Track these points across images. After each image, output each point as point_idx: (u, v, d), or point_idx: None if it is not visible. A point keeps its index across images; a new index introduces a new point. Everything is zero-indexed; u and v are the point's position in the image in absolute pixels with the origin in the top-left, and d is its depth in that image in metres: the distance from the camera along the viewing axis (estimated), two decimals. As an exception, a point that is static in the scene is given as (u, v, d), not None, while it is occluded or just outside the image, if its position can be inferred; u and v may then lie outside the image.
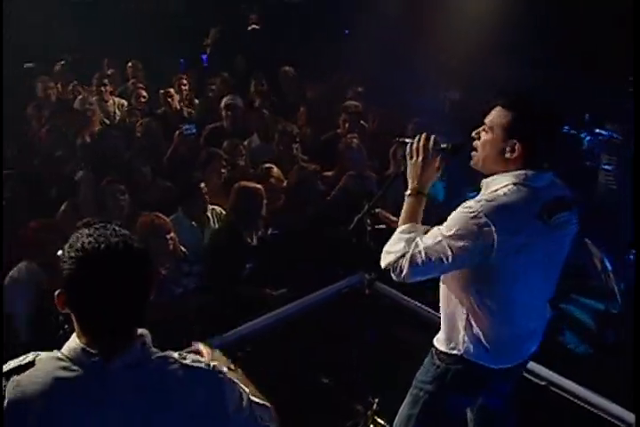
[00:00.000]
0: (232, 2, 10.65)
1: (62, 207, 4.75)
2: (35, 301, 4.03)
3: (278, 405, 1.85)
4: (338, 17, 9.49)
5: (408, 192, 2.52)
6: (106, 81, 7.59)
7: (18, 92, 7.35)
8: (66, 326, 1.83)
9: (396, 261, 2.32)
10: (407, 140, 2.61)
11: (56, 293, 1.63)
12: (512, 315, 2.45)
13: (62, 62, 8.33)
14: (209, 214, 4.88)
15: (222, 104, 6.78)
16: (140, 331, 1.64)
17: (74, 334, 1.64)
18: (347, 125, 6.29)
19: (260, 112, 6.68)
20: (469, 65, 7.79)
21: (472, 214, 2.26)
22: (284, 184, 5.22)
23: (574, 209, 2.45)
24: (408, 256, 2.30)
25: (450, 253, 2.27)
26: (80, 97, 7.25)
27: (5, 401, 1.51)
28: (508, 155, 2.36)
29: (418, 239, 2.33)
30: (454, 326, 2.52)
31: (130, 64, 8.34)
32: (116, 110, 7.47)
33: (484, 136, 2.42)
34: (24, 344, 4.03)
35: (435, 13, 7.97)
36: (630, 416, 3.29)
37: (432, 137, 2.53)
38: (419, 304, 4.32)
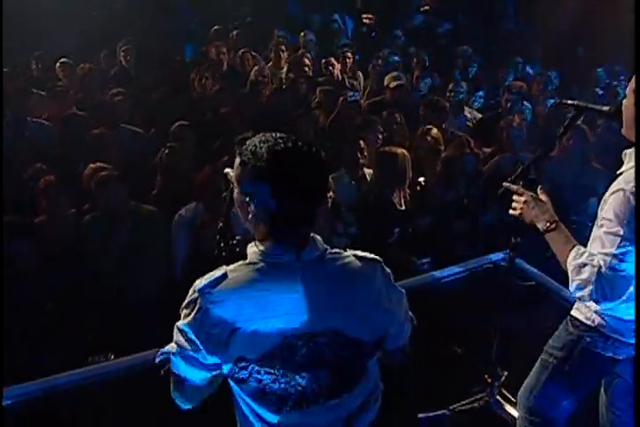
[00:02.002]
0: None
1: (226, 158, 5.06)
2: (195, 235, 4.41)
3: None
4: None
5: (543, 230, 2.47)
6: (283, 47, 7.90)
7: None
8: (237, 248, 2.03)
9: (593, 291, 2.24)
10: (569, 102, 2.59)
11: (239, 202, 1.80)
12: None
13: (236, 31, 8.71)
14: (367, 175, 5.04)
15: (386, 81, 6.88)
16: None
17: (251, 246, 1.81)
18: (509, 105, 6.20)
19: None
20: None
21: (623, 194, 2.22)
22: (443, 150, 5.27)
23: None
24: (597, 277, 2.22)
25: (624, 252, 2.21)
26: (256, 68, 7.56)
27: (208, 301, 1.72)
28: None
29: (593, 257, 2.25)
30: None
31: (302, 34, 8.58)
32: (286, 77, 7.74)
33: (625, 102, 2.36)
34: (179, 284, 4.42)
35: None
36: None
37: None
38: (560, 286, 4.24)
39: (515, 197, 2.59)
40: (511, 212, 2.59)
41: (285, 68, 7.83)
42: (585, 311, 2.54)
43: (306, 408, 1.84)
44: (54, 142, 5.85)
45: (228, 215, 2.24)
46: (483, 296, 4.32)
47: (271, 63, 7.91)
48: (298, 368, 1.78)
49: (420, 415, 3.47)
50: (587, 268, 2.27)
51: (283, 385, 1.79)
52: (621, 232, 2.22)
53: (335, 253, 1.84)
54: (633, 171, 2.26)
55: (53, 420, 3.52)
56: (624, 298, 2.28)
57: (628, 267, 2.23)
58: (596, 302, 2.29)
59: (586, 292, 2.27)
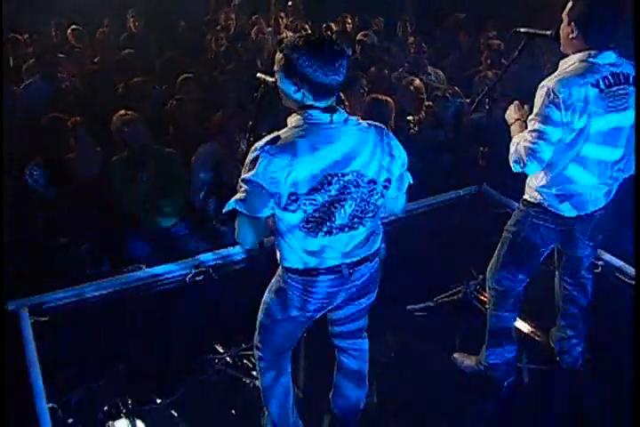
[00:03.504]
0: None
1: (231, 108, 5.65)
2: (210, 172, 5.01)
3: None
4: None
5: (510, 123, 3.14)
6: (282, 15, 8.51)
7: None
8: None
9: (516, 160, 2.88)
10: (521, 30, 3.23)
11: (280, 87, 2.45)
12: (576, 172, 2.96)
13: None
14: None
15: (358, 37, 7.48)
16: None
17: (292, 116, 2.45)
18: (488, 62, 6.79)
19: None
20: None
21: (545, 91, 2.79)
22: (426, 101, 5.85)
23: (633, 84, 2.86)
24: (518, 151, 2.87)
25: (543, 131, 2.81)
26: (256, 27, 8.17)
27: (268, 154, 2.34)
28: (570, 35, 2.85)
29: (521, 136, 2.91)
30: (531, 178, 3.11)
31: (290, 3, 9.18)
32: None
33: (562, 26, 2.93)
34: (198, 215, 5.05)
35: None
36: None
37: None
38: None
39: (510, 106, 3.23)
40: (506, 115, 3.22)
41: (285, 34, 8.42)
42: (529, 192, 3.16)
43: (335, 234, 2.52)
44: (81, 94, 6.40)
45: (257, 115, 2.89)
46: (462, 219, 5.03)
47: (271, 28, 8.49)
48: (331, 201, 2.44)
49: (409, 307, 4.11)
50: (514, 145, 2.94)
51: (321, 214, 2.45)
52: (537, 116, 2.82)
53: (355, 119, 2.50)
54: (559, 72, 2.86)
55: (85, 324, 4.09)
56: (545, 172, 2.96)
57: (544, 145, 2.81)
58: (519, 169, 2.92)
59: (511, 162, 2.93)
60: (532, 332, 3.94)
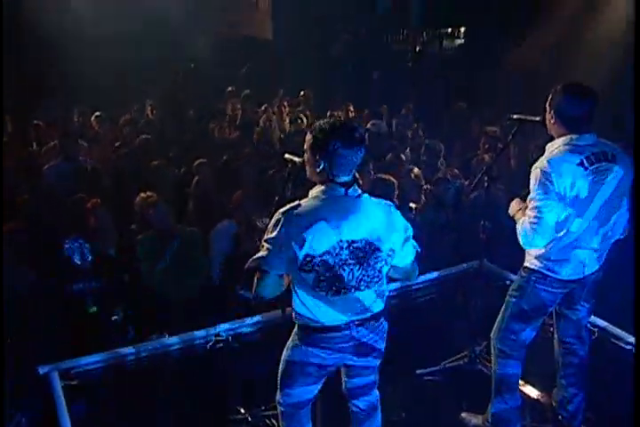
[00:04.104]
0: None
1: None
2: (228, 246, 5.37)
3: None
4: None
5: (513, 214, 3.56)
6: (285, 103, 9.15)
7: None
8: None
9: (524, 236, 3.29)
10: (514, 117, 3.69)
11: (310, 162, 2.86)
12: (570, 239, 3.33)
13: (247, 91, 9.98)
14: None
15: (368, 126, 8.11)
16: None
17: (314, 188, 2.86)
18: (486, 146, 7.31)
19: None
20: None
21: (538, 172, 3.22)
22: (426, 186, 6.29)
23: (616, 161, 3.28)
24: (524, 229, 3.29)
25: (542, 206, 3.22)
26: (264, 116, 8.77)
27: (290, 218, 2.74)
28: (552, 122, 3.32)
29: (524, 217, 3.33)
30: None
31: (302, 93, 9.82)
32: (289, 128, 8.93)
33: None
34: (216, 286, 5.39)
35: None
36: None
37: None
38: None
39: (511, 203, 3.66)
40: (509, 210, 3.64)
41: (287, 121, 9.08)
42: (529, 259, 3.52)
43: (343, 294, 2.86)
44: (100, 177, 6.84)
45: (283, 191, 3.30)
46: (467, 291, 5.36)
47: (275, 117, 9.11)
48: (341, 264, 2.80)
49: (418, 371, 4.38)
50: (520, 226, 3.34)
51: (331, 275, 2.81)
52: (534, 195, 3.24)
53: (367, 195, 2.91)
54: (547, 155, 3.28)
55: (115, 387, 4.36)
56: (547, 241, 3.30)
57: (546, 217, 3.21)
58: (528, 244, 3.32)
59: (521, 241, 3.33)
60: (535, 394, 4.20)
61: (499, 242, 4.82)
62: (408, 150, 7.55)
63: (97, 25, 10.19)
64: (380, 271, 2.92)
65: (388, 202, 2.97)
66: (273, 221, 2.81)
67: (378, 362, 3.18)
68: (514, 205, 3.62)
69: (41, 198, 6.10)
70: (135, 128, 8.34)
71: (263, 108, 9.25)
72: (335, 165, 2.79)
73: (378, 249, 2.87)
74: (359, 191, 2.87)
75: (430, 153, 7.22)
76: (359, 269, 2.85)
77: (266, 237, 2.81)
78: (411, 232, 2.99)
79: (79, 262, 4.78)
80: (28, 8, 10.20)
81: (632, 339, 4.50)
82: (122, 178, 6.64)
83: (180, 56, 10.79)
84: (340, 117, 8.64)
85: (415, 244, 3.03)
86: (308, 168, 2.93)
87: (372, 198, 2.92)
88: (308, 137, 2.86)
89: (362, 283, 2.88)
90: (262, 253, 2.81)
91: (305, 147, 2.89)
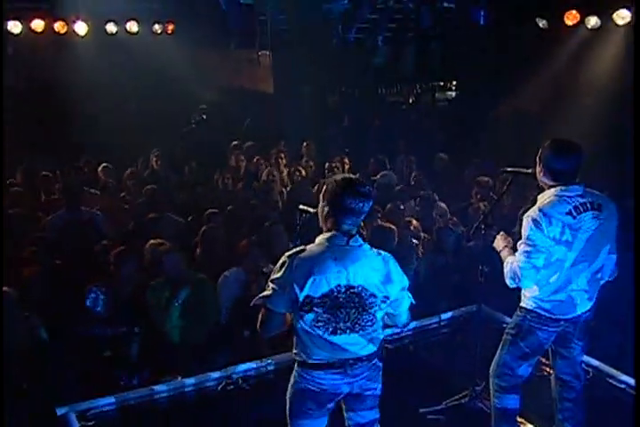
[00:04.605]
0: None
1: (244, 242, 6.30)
2: (237, 294, 5.60)
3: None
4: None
5: (500, 250, 3.89)
6: (282, 155, 9.59)
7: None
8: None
9: (512, 277, 3.62)
10: (508, 169, 4.00)
11: (322, 211, 3.17)
12: (563, 282, 3.61)
13: (251, 143, 10.37)
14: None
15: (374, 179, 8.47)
16: None
17: (320, 236, 3.14)
18: (478, 196, 7.61)
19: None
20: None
21: (530, 220, 3.53)
22: (423, 235, 6.60)
23: (601, 209, 3.57)
24: (512, 268, 3.60)
25: (531, 251, 3.52)
26: (266, 170, 9.13)
27: (294, 262, 3.02)
28: (542, 174, 3.64)
29: (513, 258, 3.65)
30: (526, 289, 3.75)
31: (305, 144, 10.23)
32: (287, 178, 9.31)
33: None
34: (224, 326, 5.59)
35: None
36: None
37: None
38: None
39: (496, 236, 3.98)
40: (494, 243, 3.96)
41: (285, 172, 9.47)
42: (525, 300, 3.79)
43: (339, 334, 3.12)
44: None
45: (297, 238, 3.57)
46: (464, 334, 5.58)
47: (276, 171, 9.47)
48: (338, 306, 3.07)
49: (422, 410, 4.57)
50: (507, 265, 3.65)
51: (329, 315, 3.07)
52: (526, 240, 3.54)
53: (368, 246, 3.19)
54: (538, 204, 3.57)
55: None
56: (533, 283, 3.60)
57: (534, 261, 3.51)
58: (514, 284, 3.62)
59: (507, 280, 3.64)
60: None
61: (495, 286, 5.06)
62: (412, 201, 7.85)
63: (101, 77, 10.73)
64: (374, 316, 3.17)
65: (388, 254, 3.23)
66: (279, 263, 3.10)
67: (376, 399, 3.39)
68: (499, 240, 3.93)
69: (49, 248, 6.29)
70: (140, 180, 8.66)
71: (255, 160, 9.59)
72: (342, 217, 3.10)
73: (373, 295, 3.13)
74: (360, 242, 3.15)
75: (426, 203, 7.53)
76: (355, 313, 3.12)
77: (272, 277, 3.09)
78: (406, 283, 3.25)
79: (101, 312, 4.98)
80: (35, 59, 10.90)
81: (624, 377, 4.75)
82: (133, 226, 6.90)
83: (184, 109, 11.16)
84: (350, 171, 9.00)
85: (409, 294, 3.28)
86: (319, 216, 3.22)
87: (373, 249, 3.20)
88: (324, 188, 3.17)
89: (357, 325, 3.14)
90: (267, 292, 3.10)
91: (320, 196, 3.19)
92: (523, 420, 4.33)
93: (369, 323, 3.16)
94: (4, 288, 4.89)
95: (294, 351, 3.25)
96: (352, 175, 3.25)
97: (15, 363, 4.71)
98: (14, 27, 10.40)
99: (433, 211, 7.36)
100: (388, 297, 3.17)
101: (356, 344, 3.17)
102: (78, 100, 10.46)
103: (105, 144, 9.71)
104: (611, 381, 4.85)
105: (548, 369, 4.19)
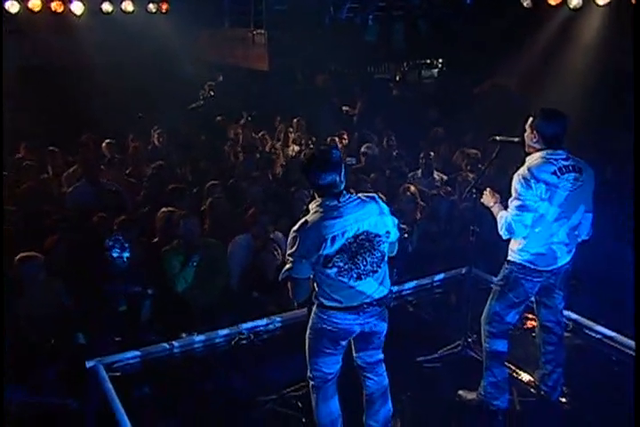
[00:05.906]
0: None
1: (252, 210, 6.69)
2: (246, 258, 6.05)
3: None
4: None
5: (491, 206, 4.30)
6: (291, 129, 10.02)
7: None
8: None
9: (507, 228, 4.03)
10: (497, 138, 4.45)
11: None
12: (545, 235, 4.05)
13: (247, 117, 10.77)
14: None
15: (362, 149, 8.90)
16: None
17: (312, 204, 3.59)
18: (468, 167, 8.08)
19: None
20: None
21: (520, 177, 3.95)
22: (420, 201, 7.05)
23: (581, 172, 3.99)
24: (507, 222, 4.02)
25: (522, 206, 3.96)
26: (269, 144, 9.51)
27: (303, 234, 3.46)
28: (533, 140, 4.04)
29: (506, 212, 4.07)
30: (513, 243, 4.19)
31: (296, 120, 10.56)
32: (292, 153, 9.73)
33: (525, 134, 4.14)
34: (235, 291, 6.04)
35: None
36: None
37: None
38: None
39: (484, 192, 4.40)
40: (482, 199, 4.39)
41: (292, 146, 9.91)
42: (512, 254, 4.22)
43: (363, 279, 3.59)
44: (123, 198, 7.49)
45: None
46: (456, 293, 6.07)
47: (280, 142, 9.95)
48: (354, 255, 3.53)
49: (419, 358, 5.07)
50: (502, 219, 4.09)
51: (348, 265, 3.54)
52: (517, 195, 3.96)
53: (355, 196, 3.63)
54: (527, 164, 3.99)
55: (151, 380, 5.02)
56: (525, 233, 4.03)
57: (525, 214, 3.94)
58: (509, 235, 4.06)
59: (502, 231, 4.07)
60: (521, 376, 4.89)
61: (484, 249, 5.50)
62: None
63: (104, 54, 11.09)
64: (382, 251, 3.65)
65: (372, 194, 3.69)
66: (290, 238, 3.55)
67: (381, 341, 3.89)
68: (488, 196, 4.35)
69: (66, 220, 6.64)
70: (143, 155, 9.06)
71: (260, 134, 10.00)
72: (321, 189, 3.55)
73: (378, 235, 3.60)
74: (347, 195, 3.58)
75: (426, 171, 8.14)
76: (369, 256, 3.59)
77: (288, 252, 3.54)
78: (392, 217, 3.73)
79: (117, 256, 5.33)
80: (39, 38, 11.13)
81: (599, 328, 5.31)
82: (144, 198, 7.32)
83: (181, 87, 11.52)
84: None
85: (396, 230, 3.76)
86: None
87: (360, 196, 3.63)
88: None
89: (374, 265, 3.62)
90: (288, 265, 3.54)
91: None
92: (511, 365, 4.82)
93: (383, 259, 3.64)
94: (33, 253, 5.29)
95: (314, 296, 3.71)
96: (314, 150, 3.75)
97: (41, 324, 5.17)
98: (12, 6, 10.57)
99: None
100: (389, 231, 3.65)
101: (371, 287, 3.64)
102: (76, 78, 10.79)
103: (102, 121, 10.05)
104: (587, 331, 5.38)
105: (533, 322, 4.65)
